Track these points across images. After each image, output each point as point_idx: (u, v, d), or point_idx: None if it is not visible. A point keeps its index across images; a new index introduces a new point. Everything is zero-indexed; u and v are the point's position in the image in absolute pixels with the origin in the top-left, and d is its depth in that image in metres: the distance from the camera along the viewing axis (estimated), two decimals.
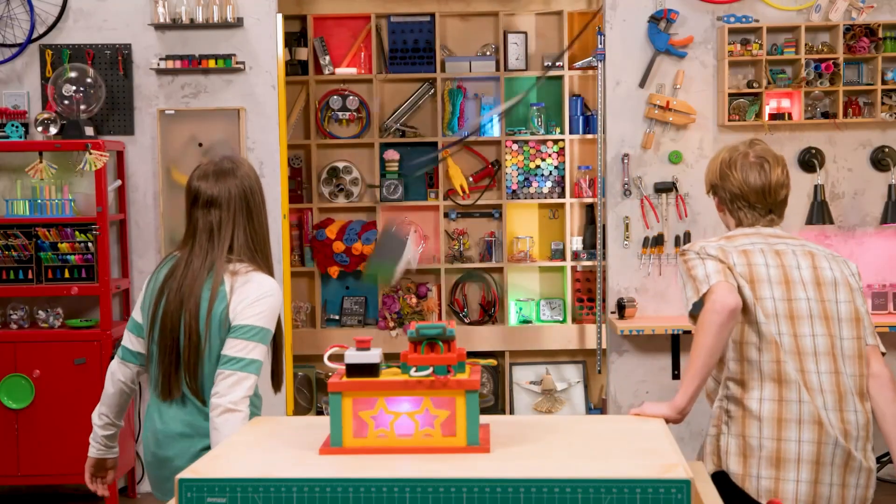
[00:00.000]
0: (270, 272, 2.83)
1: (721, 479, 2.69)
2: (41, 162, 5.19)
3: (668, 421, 2.52)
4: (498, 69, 6.16)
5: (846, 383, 2.71)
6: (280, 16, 5.48)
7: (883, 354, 2.81)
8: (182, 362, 2.71)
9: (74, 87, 5.25)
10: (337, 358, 2.12)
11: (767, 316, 2.70)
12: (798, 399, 2.66)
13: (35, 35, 5.42)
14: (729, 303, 2.59)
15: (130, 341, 2.88)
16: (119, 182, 5.41)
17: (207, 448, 2.67)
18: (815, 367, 2.70)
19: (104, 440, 2.93)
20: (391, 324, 6.08)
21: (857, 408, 2.72)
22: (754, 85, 5.38)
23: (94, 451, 2.94)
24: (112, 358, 2.98)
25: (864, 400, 2.74)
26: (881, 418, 2.77)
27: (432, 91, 6.21)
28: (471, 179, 6.21)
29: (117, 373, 2.90)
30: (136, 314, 2.87)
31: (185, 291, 2.72)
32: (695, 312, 2.69)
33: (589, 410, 6.09)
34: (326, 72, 6.21)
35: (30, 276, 5.18)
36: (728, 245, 2.78)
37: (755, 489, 2.66)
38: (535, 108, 6.16)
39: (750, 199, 2.85)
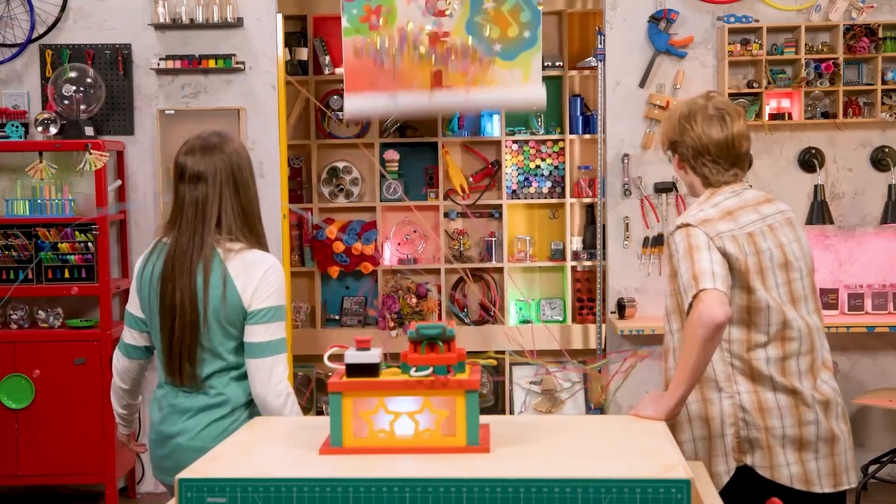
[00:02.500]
0: (264, 248, 2.79)
1: (746, 474, 2.68)
2: (41, 162, 5.19)
3: None
4: None
5: (825, 356, 2.78)
6: (280, 16, 5.48)
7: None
8: (184, 345, 2.70)
9: (74, 87, 5.25)
10: (337, 358, 2.12)
11: (759, 309, 2.66)
12: (807, 387, 2.69)
13: (35, 35, 5.42)
14: (716, 317, 2.48)
15: (133, 337, 2.87)
16: (119, 182, 5.41)
17: (212, 423, 2.72)
18: (820, 344, 2.74)
19: (130, 418, 3.05)
20: (391, 324, 6.08)
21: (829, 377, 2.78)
22: (754, 85, 5.38)
23: (124, 430, 3.07)
24: (112, 355, 3.00)
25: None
26: None
27: None
28: (471, 179, 6.21)
29: (125, 371, 2.93)
30: (133, 308, 2.85)
31: (178, 274, 2.69)
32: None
33: (589, 410, 6.09)
34: (326, 72, 6.21)
35: (30, 276, 5.18)
36: (735, 227, 2.68)
37: (787, 476, 2.67)
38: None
39: (712, 153, 2.75)
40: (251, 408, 2.75)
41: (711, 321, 2.47)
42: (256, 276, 2.70)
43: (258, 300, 2.69)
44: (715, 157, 2.75)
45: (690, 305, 2.55)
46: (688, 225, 2.66)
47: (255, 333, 2.69)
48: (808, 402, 2.68)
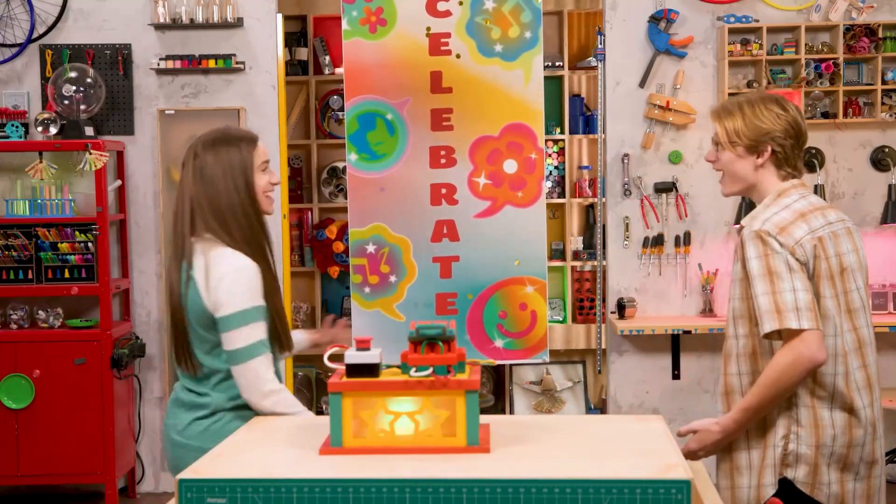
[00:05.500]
0: (245, 246, 2.67)
1: (784, 487, 2.63)
2: (41, 162, 5.19)
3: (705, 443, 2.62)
4: None
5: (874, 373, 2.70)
6: (280, 16, 5.48)
7: None
8: (178, 339, 2.72)
9: (74, 87, 5.25)
10: (337, 358, 2.12)
11: (827, 316, 2.58)
12: (863, 405, 2.63)
13: (35, 35, 5.42)
14: (818, 359, 2.47)
15: None
16: (119, 182, 5.41)
17: (194, 421, 2.70)
18: (872, 360, 2.67)
19: (302, 346, 3.21)
20: None
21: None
22: (754, 85, 5.38)
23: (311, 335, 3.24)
24: None
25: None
26: None
27: None
28: None
29: None
30: None
31: (171, 270, 2.73)
32: (769, 334, 2.53)
33: (589, 410, 6.09)
34: (326, 72, 6.21)
35: (30, 276, 5.17)
36: (808, 230, 2.56)
37: (826, 495, 2.62)
38: None
39: (803, 140, 2.64)
40: (237, 411, 2.68)
41: (814, 363, 2.48)
42: (214, 278, 2.61)
43: (223, 306, 2.60)
44: (801, 141, 2.66)
45: (770, 334, 2.52)
46: (764, 234, 2.55)
47: (229, 341, 2.61)
48: (861, 422, 2.62)
